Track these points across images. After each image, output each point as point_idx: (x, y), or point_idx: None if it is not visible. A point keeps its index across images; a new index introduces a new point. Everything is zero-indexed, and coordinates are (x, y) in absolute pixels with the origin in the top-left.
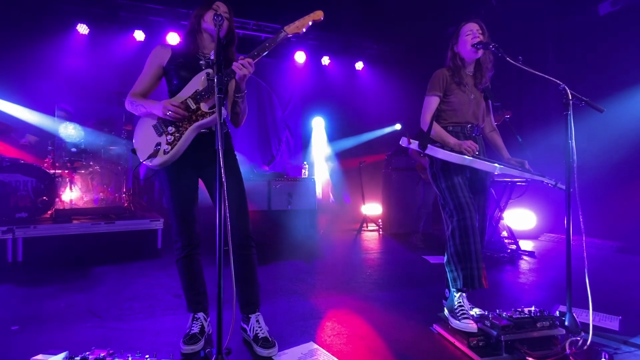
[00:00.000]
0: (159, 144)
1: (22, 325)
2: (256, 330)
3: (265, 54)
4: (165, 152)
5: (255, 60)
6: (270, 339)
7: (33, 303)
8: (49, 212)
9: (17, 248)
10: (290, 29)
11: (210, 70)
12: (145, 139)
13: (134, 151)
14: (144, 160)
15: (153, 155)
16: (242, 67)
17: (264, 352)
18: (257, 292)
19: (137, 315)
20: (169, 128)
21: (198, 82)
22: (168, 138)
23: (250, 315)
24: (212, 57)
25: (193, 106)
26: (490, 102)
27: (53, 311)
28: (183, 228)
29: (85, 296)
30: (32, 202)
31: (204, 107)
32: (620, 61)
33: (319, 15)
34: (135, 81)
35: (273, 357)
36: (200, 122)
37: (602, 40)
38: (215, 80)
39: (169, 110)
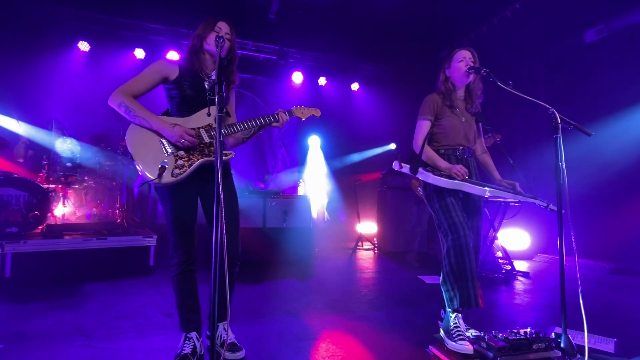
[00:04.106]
0: (166, 163)
1: (7, 344)
2: (224, 337)
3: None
4: (174, 175)
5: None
6: (237, 344)
7: (19, 321)
8: (40, 227)
9: (5, 264)
10: (297, 112)
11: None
12: (150, 152)
13: (132, 157)
14: (153, 180)
15: (160, 174)
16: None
17: (231, 356)
18: (230, 303)
19: (126, 334)
20: (180, 152)
21: (212, 117)
22: (179, 162)
23: (218, 324)
24: (213, 77)
25: (206, 140)
26: (480, 125)
27: (40, 329)
28: (181, 243)
29: (73, 314)
30: (23, 216)
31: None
32: (605, 86)
33: (318, 112)
34: (130, 80)
35: None
36: (209, 157)
37: (589, 66)
38: (217, 99)
39: (185, 140)
